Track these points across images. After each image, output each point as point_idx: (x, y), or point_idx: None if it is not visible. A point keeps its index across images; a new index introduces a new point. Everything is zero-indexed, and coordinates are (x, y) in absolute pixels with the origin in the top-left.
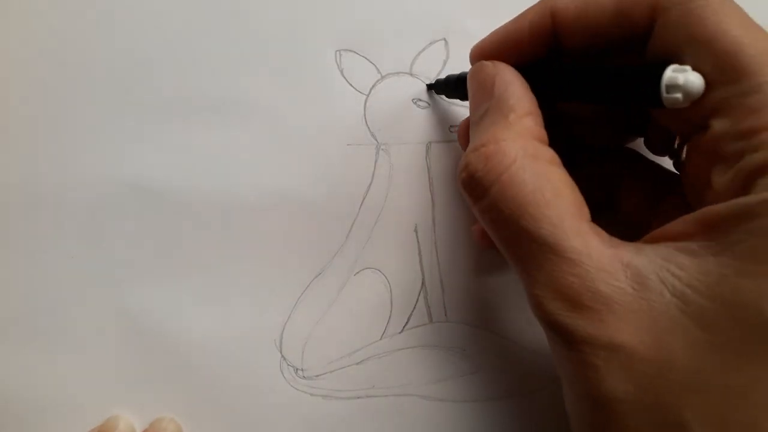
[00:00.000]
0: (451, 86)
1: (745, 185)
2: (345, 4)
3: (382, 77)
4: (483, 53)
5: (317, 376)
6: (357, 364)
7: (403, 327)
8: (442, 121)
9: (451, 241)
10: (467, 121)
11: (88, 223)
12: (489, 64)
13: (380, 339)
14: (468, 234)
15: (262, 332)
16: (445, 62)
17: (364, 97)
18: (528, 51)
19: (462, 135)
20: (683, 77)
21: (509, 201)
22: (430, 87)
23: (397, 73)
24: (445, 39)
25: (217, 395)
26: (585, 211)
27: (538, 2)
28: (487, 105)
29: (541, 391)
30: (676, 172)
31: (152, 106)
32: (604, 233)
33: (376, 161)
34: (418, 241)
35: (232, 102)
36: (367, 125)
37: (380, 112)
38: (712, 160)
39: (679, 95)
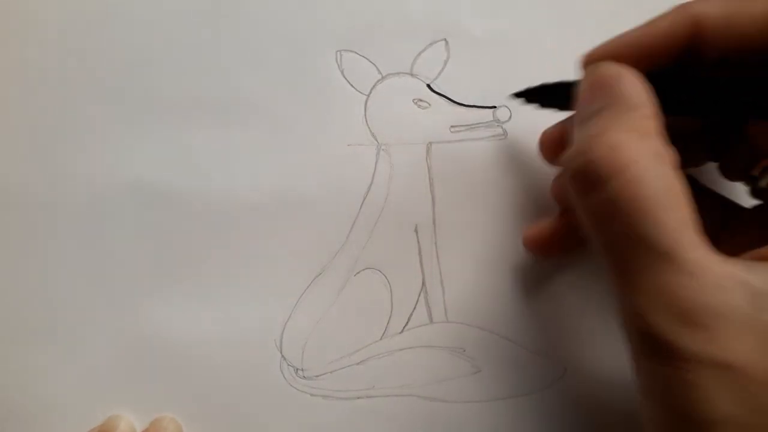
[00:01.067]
0: (550, 91)
1: None
2: (345, 4)
3: (383, 77)
4: (601, 58)
5: (317, 376)
6: (357, 364)
7: (404, 327)
8: (443, 121)
9: (452, 241)
10: (554, 129)
11: (87, 223)
12: (611, 65)
13: (380, 339)
14: (469, 234)
15: (263, 332)
16: (445, 62)
17: (365, 97)
18: (658, 60)
19: (546, 145)
20: None
21: (629, 200)
22: (518, 95)
23: (398, 73)
24: (445, 39)
25: (218, 395)
26: (698, 222)
27: (675, 8)
28: (604, 102)
29: (541, 391)
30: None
31: (152, 106)
32: (714, 248)
33: (376, 161)
34: (418, 242)
35: (232, 102)
36: (367, 125)
37: (381, 112)
38: None
39: None
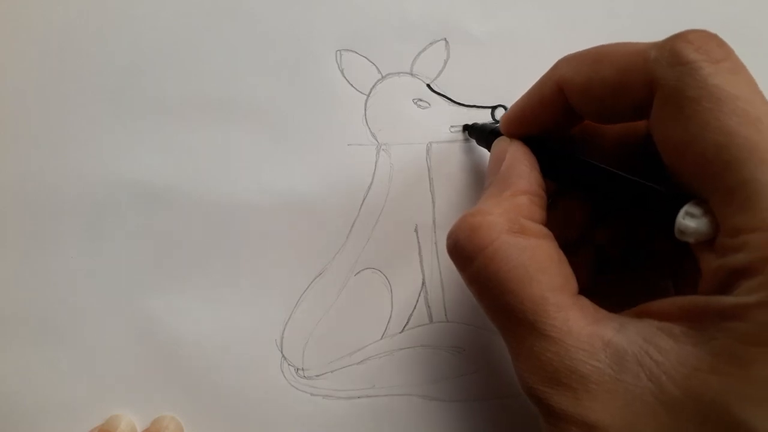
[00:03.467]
0: (483, 137)
1: (729, 283)
2: (346, 4)
3: (383, 77)
4: (510, 122)
5: (318, 375)
6: (357, 363)
7: (404, 327)
8: (443, 121)
9: None
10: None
11: (88, 223)
12: (505, 140)
13: (380, 339)
14: None
15: (263, 332)
16: (445, 62)
17: (365, 97)
18: (546, 119)
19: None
20: (694, 224)
21: (491, 275)
22: (466, 128)
23: (398, 73)
24: (445, 39)
25: (218, 394)
26: (571, 284)
27: (547, 73)
28: (492, 179)
29: None
30: None
31: (153, 107)
32: (589, 307)
33: (376, 161)
34: (418, 241)
35: (232, 102)
36: (367, 125)
37: (381, 112)
38: (699, 250)
39: (690, 239)
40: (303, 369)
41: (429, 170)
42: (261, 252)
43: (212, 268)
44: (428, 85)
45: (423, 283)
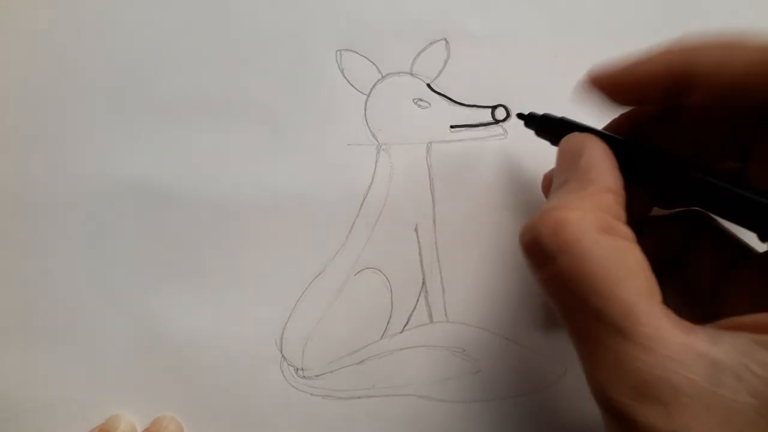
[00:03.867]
0: (547, 127)
1: None
2: (345, 3)
3: (383, 77)
4: (601, 83)
5: (317, 375)
6: (357, 363)
7: (404, 327)
8: (443, 120)
9: (452, 241)
10: (550, 174)
11: (88, 223)
12: (581, 136)
13: (380, 339)
14: (469, 234)
15: (263, 332)
16: (445, 62)
17: (365, 96)
18: (648, 97)
19: (546, 186)
20: None
21: (578, 275)
22: (521, 117)
23: (398, 72)
24: (445, 39)
25: (218, 394)
26: (658, 292)
27: (670, 46)
28: (569, 175)
29: (541, 391)
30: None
31: (152, 107)
32: (676, 317)
33: (376, 161)
34: (418, 241)
35: (232, 102)
36: (367, 125)
37: (381, 112)
38: None
39: None
40: (303, 369)
41: (429, 170)
42: (261, 252)
43: (212, 267)
44: (428, 85)
45: (423, 283)
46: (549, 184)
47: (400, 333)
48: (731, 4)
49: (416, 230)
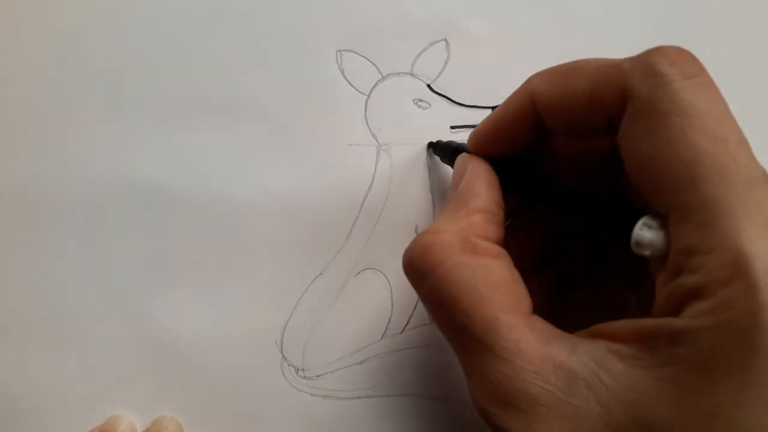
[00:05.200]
0: (447, 154)
1: (681, 305)
2: (346, 4)
3: (383, 77)
4: (478, 139)
5: (318, 376)
6: (358, 364)
7: (404, 327)
8: (443, 121)
9: None
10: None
11: (88, 224)
12: (466, 157)
13: (381, 339)
14: None
15: (263, 332)
16: (446, 62)
17: (365, 97)
18: (515, 136)
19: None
20: (648, 237)
21: (444, 295)
22: (430, 145)
23: (398, 73)
24: (446, 39)
25: (218, 395)
26: (524, 304)
27: (519, 88)
28: (450, 197)
29: None
30: None
31: (153, 107)
32: (542, 328)
33: (376, 162)
34: None
35: (232, 102)
36: (367, 126)
37: (381, 112)
38: (657, 268)
39: (646, 251)
40: (303, 369)
41: (429, 171)
42: (261, 252)
43: (212, 268)
44: (428, 86)
45: None
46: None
47: (401, 333)
48: (731, 3)
49: (416, 231)
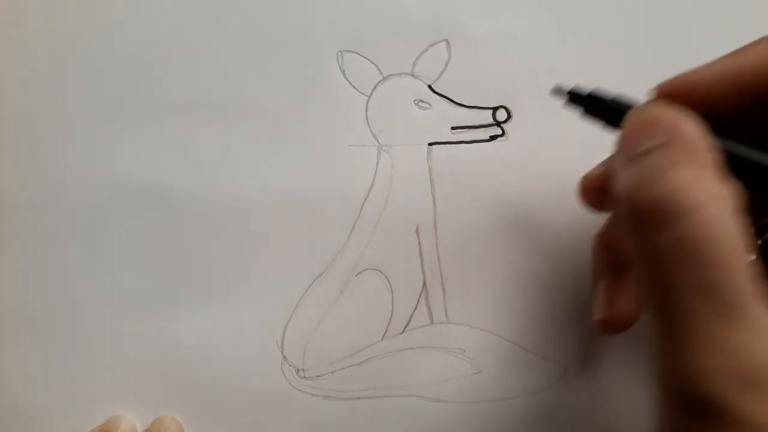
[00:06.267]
0: (602, 107)
1: None
2: (347, 5)
3: (384, 78)
4: (677, 87)
5: (318, 376)
6: (358, 364)
7: (404, 328)
8: (444, 122)
9: (453, 242)
10: (596, 172)
11: (89, 224)
12: (670, 109)
13: (381, 340)
14: (470, 235)
15: (264, 332)
16: (447, 63)
17: (366, 98)
18: (728, 102)
19: (587, 190)
20: None
21: (698, 244)
22: (571, 96)
23: (399, 74)
24: (446, 40)
25: (219, 395)
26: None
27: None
28: (662, 140)
29: (541, 392)
30: None
31: (154, 107)
32: None
33: (377, 162)
34: (419, 242)
35: (233, 103)
36: (368, 126)
37: (382, 113)
38: None
39: None
40: (303, 369)
41: (430, 171)
42: (262, 252)
43: (213, 268)
44: (429, 86)
45: (424, 284)
46: (591, 185)
47: (401, 334)
48: (737, 3)
49: (417, 231)
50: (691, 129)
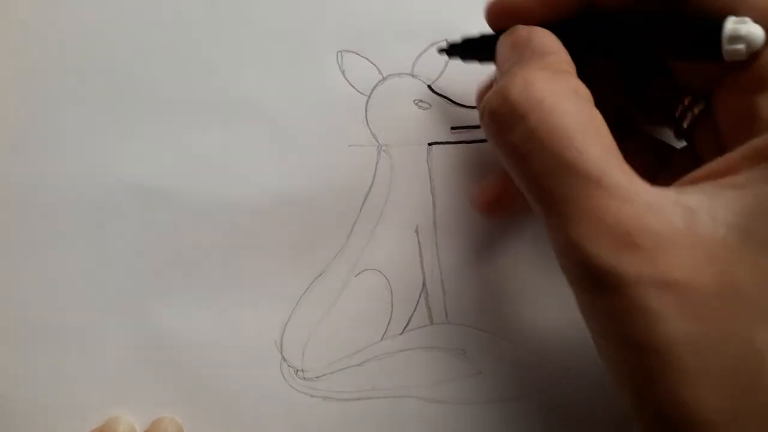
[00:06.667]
0: (472, 46)
1: None
2: (346, 5)
3: (384, 78)
4: (503, 9)
5: (317, 377)
6: (357, 365)
7: (404, 328)
8: (444, 122)
9: (452, 242)
10: (486, 85)
11: (88, 224)
12: (524, 28)
13: (381, 340)
14: (470, 235)
15: (263, 333)
16: (446, 63)
17: (366, 98)
18: (557, 8)
19: (481, 98)
20: (745, 28)
21: (549, 131)
22: (444, 51)
23: (399, 74)
24: (446, 40)
25: (218, 396)
26: (620, 153)
27: None
28: (521, 55)
29: (542, 393)
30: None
31: (153, 107)
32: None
33: (377, 162)
34: (419, 243)
35: (233, 103)
36: (368, 126)
37: (381, 113)
38: (756, 90)
39: (741, 46)
40: (303, 370)
41: (430, 171)
42: (261, 252)
43: (212, 268)
44: (429, 87)
45: (423, 285)
46: (484, 94)
47: (401, 334)
48: None
49: (417, 231)
50: (541, 38)
